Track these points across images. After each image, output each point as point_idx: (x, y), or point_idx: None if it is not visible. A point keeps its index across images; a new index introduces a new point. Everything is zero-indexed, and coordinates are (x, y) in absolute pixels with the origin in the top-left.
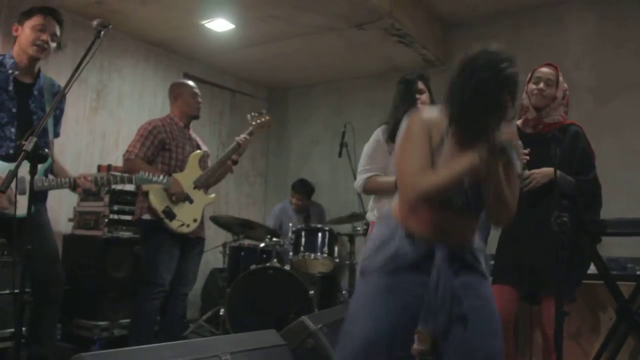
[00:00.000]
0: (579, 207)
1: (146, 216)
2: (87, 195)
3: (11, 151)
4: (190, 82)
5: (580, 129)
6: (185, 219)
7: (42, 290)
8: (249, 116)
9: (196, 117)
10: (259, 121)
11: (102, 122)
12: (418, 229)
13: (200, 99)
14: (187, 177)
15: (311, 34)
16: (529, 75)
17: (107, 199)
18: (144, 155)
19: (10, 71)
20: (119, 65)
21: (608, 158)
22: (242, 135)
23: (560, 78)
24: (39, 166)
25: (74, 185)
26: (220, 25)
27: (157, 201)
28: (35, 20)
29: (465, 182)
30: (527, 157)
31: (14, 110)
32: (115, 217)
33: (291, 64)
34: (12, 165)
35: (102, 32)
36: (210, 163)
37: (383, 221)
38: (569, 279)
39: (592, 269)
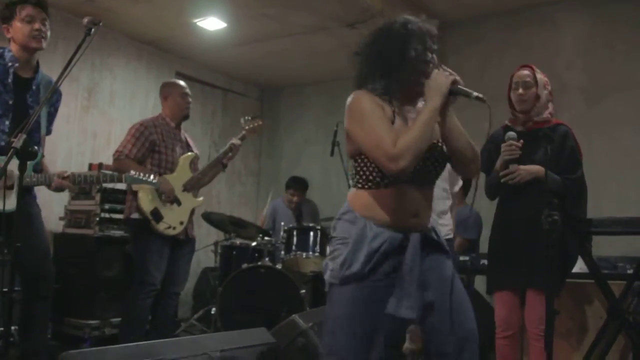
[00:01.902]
0: (566, 204)
1: (135, 215)
2: (76, 192)
3: (2, 143)
4: (181, 82)
5: (570, 130)
6: (171, 221)
7: (32, 285)
8: (242, 120)
9: (186, 118)
10: (251, 125)
11: (93, 121)
12: (384, 216)
13: (190, 99)
14: (177, 179)
15: (303, 33)
16: (510, 82)
17: (98, 197)
18: (134, 156)
19: (10, 64)
20: (111, 63)
21: (599, 158)
22: (235, 140)
23: (538, 75)
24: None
25: (49, 183)
26: (212, 24)
27: (146, 201)
28: (21, 13)
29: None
30: (519, 149)
31: (10, 102)
32: (107, 215)
33: (283, 63)
34: (3, 159)
35: (93, 30)
36: (200, 164)
37: (346, 220)
38: (555, 276)
39: (583, 268)
